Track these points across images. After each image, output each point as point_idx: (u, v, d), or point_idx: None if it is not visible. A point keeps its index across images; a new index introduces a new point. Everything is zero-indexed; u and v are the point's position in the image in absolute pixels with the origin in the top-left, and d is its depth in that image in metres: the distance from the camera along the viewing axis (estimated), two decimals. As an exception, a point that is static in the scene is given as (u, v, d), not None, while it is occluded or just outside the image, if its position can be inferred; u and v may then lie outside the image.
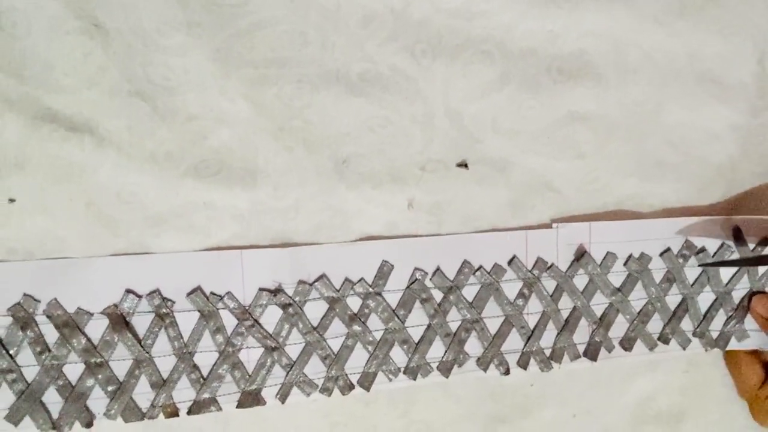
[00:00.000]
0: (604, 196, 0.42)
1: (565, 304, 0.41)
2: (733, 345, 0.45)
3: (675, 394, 0.46)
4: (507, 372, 0.41)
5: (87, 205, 0.34)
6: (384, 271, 0.38)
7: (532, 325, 0.41)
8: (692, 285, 0.44)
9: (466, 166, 0.39)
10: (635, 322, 0.43)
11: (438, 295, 0.39)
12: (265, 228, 0.37)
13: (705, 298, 0.44)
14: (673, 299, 0.43)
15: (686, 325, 0.44)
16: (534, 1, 0.39)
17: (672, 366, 0.45)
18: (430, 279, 0.39)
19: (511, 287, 0.40)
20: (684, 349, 0.44)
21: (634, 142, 0.42)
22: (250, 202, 0.36)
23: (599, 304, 0.42)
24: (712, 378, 0.46)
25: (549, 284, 0.41)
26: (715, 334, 0.44)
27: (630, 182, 0.43)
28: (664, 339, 0.43)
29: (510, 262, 0.40)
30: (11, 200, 0.33)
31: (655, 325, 0.43)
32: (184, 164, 0.35)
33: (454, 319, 0.39)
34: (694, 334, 0.44)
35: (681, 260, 0.43)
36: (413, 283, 0.39)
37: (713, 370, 0.46)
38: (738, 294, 0.45)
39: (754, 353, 0.45)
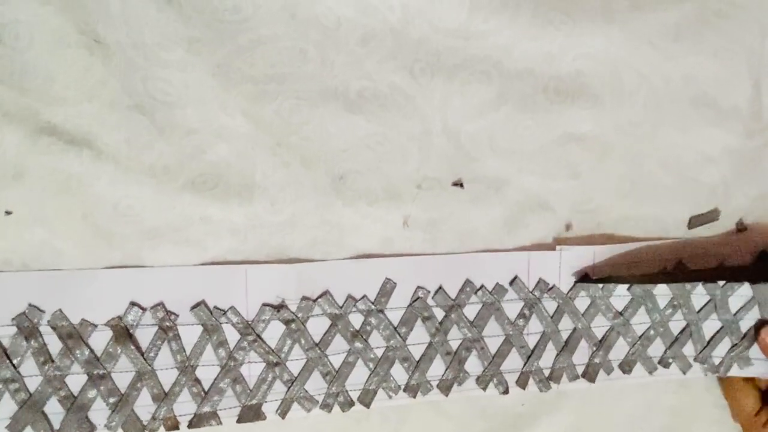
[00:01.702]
0: (598, 216, 0.43)
1: (566, 325, 0.41)
2: (735, 372, 0.44)
3: (665, 416, 0.46)
4: (506, 391, 0.40)
5: (84, 217, 0.34)
6: (386, 288, 0.38)
7: (532, 345, 0.41)
8: (698, 311, 0.43)
9: (461, 185, 0.40)
10: (636, 345, 0.42)
11: (439, 314, 0.39)
12: (262, 242, 0.37)
13: (710, 326, 0.43)
14: (676, 324, 0.43)
15: (688, 349, 0.43)
16: (531, 22, 0.40)
17: (663, 387, 0.45)
18: (432, 297, 0.39)
19: (512, 307, 0.40)
20: (684, 373, 0.43)
21: (629, 163, 0.43)
22: (246, 216, 0.36)
23: (600, 326, 0.42)
24: (703, 400, 0.46)
25: (550, 305, 0.41)
26: (717, 360, 0.44)
27: (624, 203, 0.43)
28: (664, 363, 0.43)
29: (512, 283, 0.40)
30: (8, 212, 0.33)
31: (655, 349, 0.43)
32: (182, 178, 0.35)
33: (455, 338, 0.39)
34: (696, 359, 0.43)
35: (688, 287, 0.42)
36: (415, 301, 0.39)
37: (703, 392, 0.46)
38: (746, 324, 0.43)
39: (750, 379, 0.44)
